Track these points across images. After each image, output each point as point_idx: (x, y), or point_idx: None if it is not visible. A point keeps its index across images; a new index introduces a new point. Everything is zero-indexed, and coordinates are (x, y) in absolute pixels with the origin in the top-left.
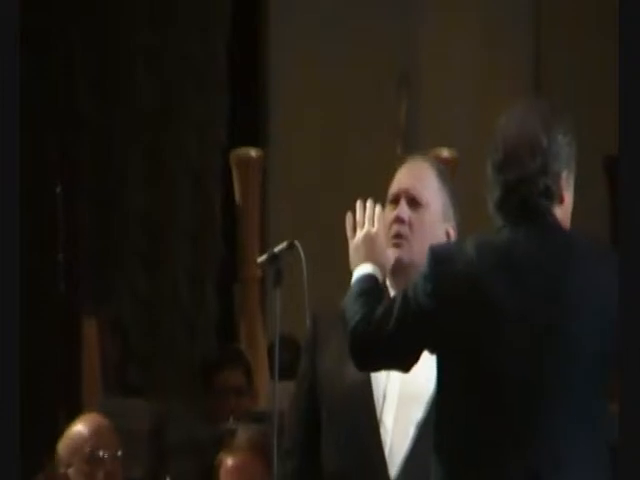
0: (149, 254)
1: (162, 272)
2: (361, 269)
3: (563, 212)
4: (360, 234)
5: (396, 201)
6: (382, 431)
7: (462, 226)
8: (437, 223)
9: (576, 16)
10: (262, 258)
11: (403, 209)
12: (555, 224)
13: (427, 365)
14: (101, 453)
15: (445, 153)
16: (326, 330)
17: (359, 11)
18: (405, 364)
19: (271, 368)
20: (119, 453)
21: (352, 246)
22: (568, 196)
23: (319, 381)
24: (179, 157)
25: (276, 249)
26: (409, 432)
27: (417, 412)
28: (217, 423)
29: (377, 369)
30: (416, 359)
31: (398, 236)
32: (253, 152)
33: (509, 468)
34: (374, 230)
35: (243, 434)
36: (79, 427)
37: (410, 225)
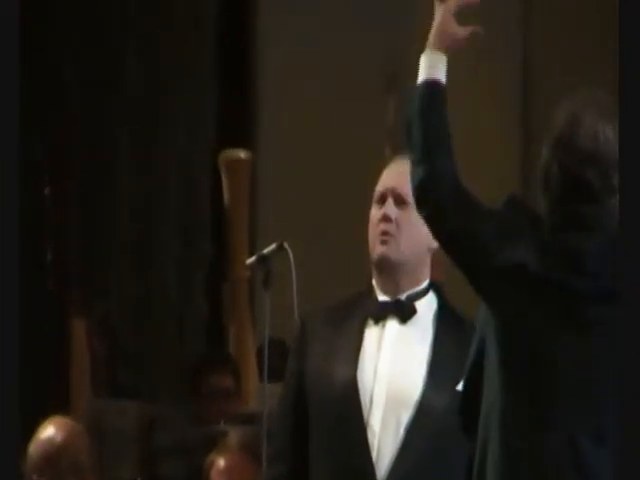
0: (138, 255)
1: (151, 273)
2: (434, 61)
3: None
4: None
5: (382, 199)
6: (369, 434)
7: None
8: (422, 221)
9: (566, 15)
10: (251, 259)
11: (390, 207)
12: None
13: (414, 368)
14: (73, 459)
15: None
16: (314, 331)
17: (348, 12)
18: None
19: (260, 370)
20: (90, 457)
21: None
22: None
23: (306, 383)
24: (168, 158)
25: (265, 251)
26: (397, 435)
27: (404, 415)
28: (206, 425)
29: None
30: None
31: (385, 233)
32: (242, 154)
33: (550, 435)
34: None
35: (235, 436)
36: (49, 432)
37: (397, 223)
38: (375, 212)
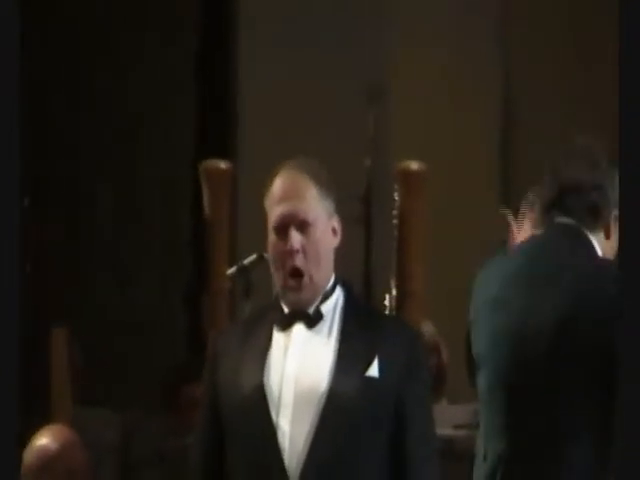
0: (117, 266)
1: (131, 284)
2: None
3: (610, 246)
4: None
5: (284, 229)
6: (279, 435)
7: (431, 238)
8: (325, 229)
9: (545, 26)
10: (232, 270)
11: (295, 240)
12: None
13: (321, 363)
14: (67, 466)
15: (414, 166)
16: (224, 347)
17: (330, 23)
18: None
19: None
20: (86, 467)
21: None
22: (614, 232)
23: (218, 396)
24: (148, 169)
25: (246, 261)
26: (307, 432)
27: (313, 410)
28: (183, 436)
29: None
30: None
31: (296, 273)
32: (222, 164)
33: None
34: None
35: None
36: (45, 440)
37: (304, 252)
38: (277, 242)
